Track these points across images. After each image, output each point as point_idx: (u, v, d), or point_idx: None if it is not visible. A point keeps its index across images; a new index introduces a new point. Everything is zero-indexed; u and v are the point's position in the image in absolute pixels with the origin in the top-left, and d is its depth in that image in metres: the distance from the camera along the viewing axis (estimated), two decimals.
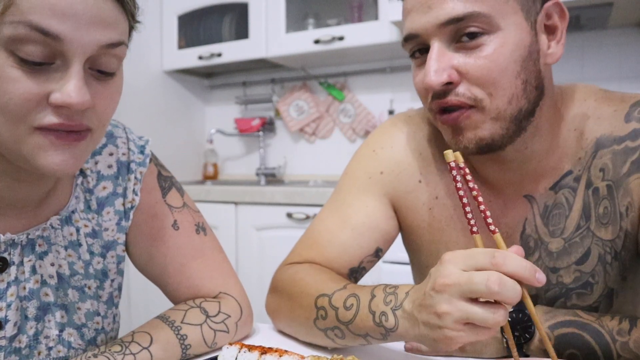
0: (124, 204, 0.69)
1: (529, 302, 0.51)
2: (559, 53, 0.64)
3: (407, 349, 0.67)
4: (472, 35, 0.59)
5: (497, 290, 0.47)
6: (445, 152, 0.52)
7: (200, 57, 2.48)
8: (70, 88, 0.49)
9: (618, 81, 1.99)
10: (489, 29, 0.59)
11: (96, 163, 0.68)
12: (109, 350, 0.59)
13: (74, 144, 0.52)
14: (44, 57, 0.48)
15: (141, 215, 0.71)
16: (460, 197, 0.52)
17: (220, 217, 2.16)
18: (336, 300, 0.64)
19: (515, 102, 0.61)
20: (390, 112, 2.37)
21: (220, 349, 0.63)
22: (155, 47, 2.57)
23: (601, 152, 0.65)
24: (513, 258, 0.48)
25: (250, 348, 0.60)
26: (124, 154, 0.70)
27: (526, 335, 0.61)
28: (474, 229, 0.52)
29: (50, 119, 0.49)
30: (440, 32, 0.60)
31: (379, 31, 2.05)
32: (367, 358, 0.65)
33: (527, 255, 0.69)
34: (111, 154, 0.69)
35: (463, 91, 0.61)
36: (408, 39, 0.64)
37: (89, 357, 0.57)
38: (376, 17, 2.08)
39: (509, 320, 0.62)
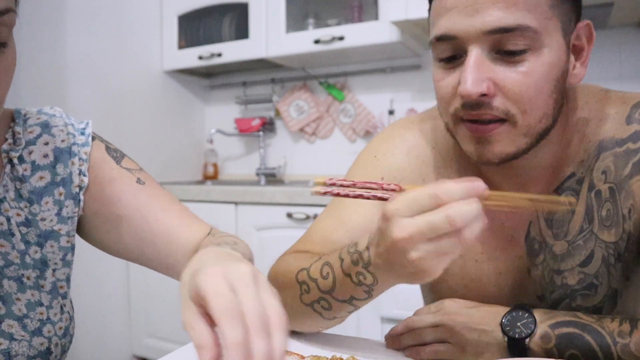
0: (62, 193, 0.67)
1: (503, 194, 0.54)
2: (582, 75, 0.63)
3: (407, 355, 0.67)
4: (516, 49, 0.57)
5: (461, 224, 0.47)
6: (313, 190, 0.52)
7: (200, 57, 2.48)
8: None
9: (618, 81, 1.99)
10: (533, 45, 0.57)
11: (30, 153, 0.66)
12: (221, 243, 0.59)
13: None
14: None
15: (96, 187, 0.69)
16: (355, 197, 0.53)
17: (220, 217, 2.16)
18: (313, 271, 0.65)
19: (545, 121, 0.61)
20: (390, 112, 2.37)
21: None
22: (155, 47, 2.57)
23: (603, 155, 0.65)
24: (453, 188, 0.48)
25: None
26: (62, 141, 0.68)
27: (527, 331, 0.61)
28: (387, 195, 0.52)
29: None
30: (482, 39, 0.57)
31: (379, 31, 2.05)
32: (367, 358, 0.65)
33: (532, 258, 0.69)
34: (46, 143, 0.67)
35: (498, 105, 0.58)
36: (442, 39, 0.60)
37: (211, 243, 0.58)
38: (376, 17, 2.07)
39: (508, 320, 0.62)
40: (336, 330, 0.77)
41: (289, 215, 1.99)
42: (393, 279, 0.56)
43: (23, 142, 0.66)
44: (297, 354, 0.59)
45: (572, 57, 0.62)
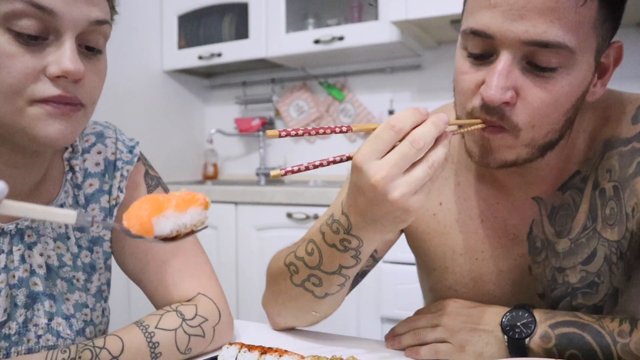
0: (109, 201, 0.71)
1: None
2: (600, 94, 0.63)
3: (407, 354, 0.67)
4: (547, 66, 0.55)
5: (423, 144, 0.50)
6: (272, 174, 0.51)
7: (200, 57, 2.48)
8: (65, 58, 0.53)
9: (618, 81, 1.98)
10: (564, 64, 0.55)
11: (84, 161, 0.71)
12: (79, 358, 0.57)
13: (71, 114, 0.56)
14: (38, 31, 0.52)
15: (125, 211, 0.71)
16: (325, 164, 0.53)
17: (220, 217, 2.16)
18: (299, 251, 0.66)
19: (551, 135, 0.60)
20: (390, 112, 2.36)
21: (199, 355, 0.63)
22: (155, 47, 2.57)
23: (608, 154, 0.65)
24: (402, 114, 0.51)
25: (250, 348, 0.60)
26: (112, 153, 0.73)
27: (527, 330, 0.61)
28: (344, 157, 0.54)
29: (48, 90, 0.53)
30: (518, 46, 0.55)
31: (379, 31, 2.05)
32: (367, 358, 0.65)
33: (534, 255, 0.69)
34: (99, 152, 0.72)
35: (511, 116, 0.57)
36: (477, 34, 0.57)
37: None
38: (376, 17, 2.07)
39: (508, 320, 0.62)
40: (336, 330, 0.77)
41: (289, 215, 1.99)
42: (378, 233, 0.57)
43: (80, 150, 0.71)
44: (297, 354, 0.59)
45: (595, 76, 0.61)
